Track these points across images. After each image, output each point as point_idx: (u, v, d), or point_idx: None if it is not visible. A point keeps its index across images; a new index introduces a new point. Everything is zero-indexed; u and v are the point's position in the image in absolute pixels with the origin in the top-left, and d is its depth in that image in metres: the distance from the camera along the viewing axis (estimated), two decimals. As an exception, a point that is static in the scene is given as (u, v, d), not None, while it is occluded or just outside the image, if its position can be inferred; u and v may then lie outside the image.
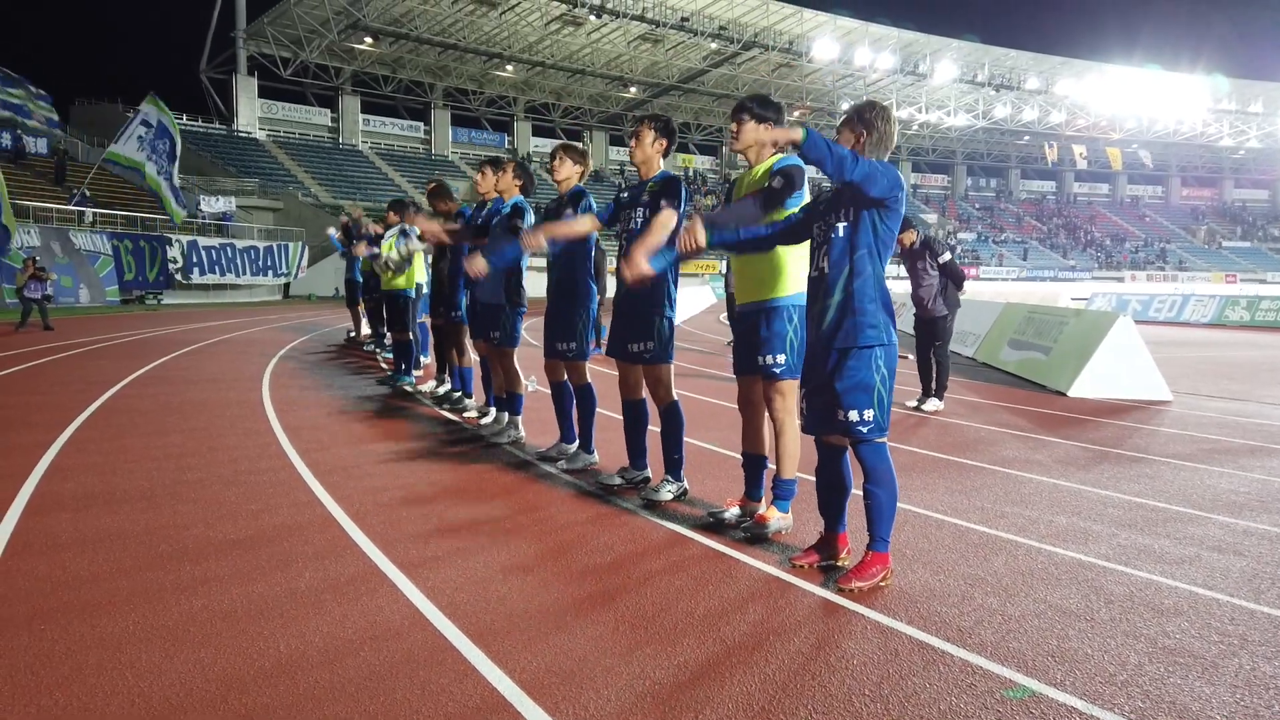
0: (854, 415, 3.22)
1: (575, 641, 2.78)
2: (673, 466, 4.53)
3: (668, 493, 4.48)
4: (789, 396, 3.93)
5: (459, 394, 7.53)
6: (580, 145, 5.45)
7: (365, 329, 12.97)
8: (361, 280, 11.99)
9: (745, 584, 3.34)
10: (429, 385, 8.49)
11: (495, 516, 4.21)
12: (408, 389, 8.51)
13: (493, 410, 6.62)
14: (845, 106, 58.83)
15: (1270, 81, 63.59)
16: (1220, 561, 3.69)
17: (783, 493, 3.95)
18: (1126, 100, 60.30)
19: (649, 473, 4.75)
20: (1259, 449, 6.28)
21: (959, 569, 3.53)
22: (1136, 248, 68.79)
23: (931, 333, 8.23)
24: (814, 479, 3.58)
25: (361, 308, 12.82)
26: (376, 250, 11.12)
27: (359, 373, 10.06)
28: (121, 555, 3.55)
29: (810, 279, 3.45)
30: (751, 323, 3.99)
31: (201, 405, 7.46)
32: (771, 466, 4.08)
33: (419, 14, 46.06)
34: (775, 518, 3.92)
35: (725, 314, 20.58)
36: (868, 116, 3.39)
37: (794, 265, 3.90)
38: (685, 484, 4.57)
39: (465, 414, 7.08)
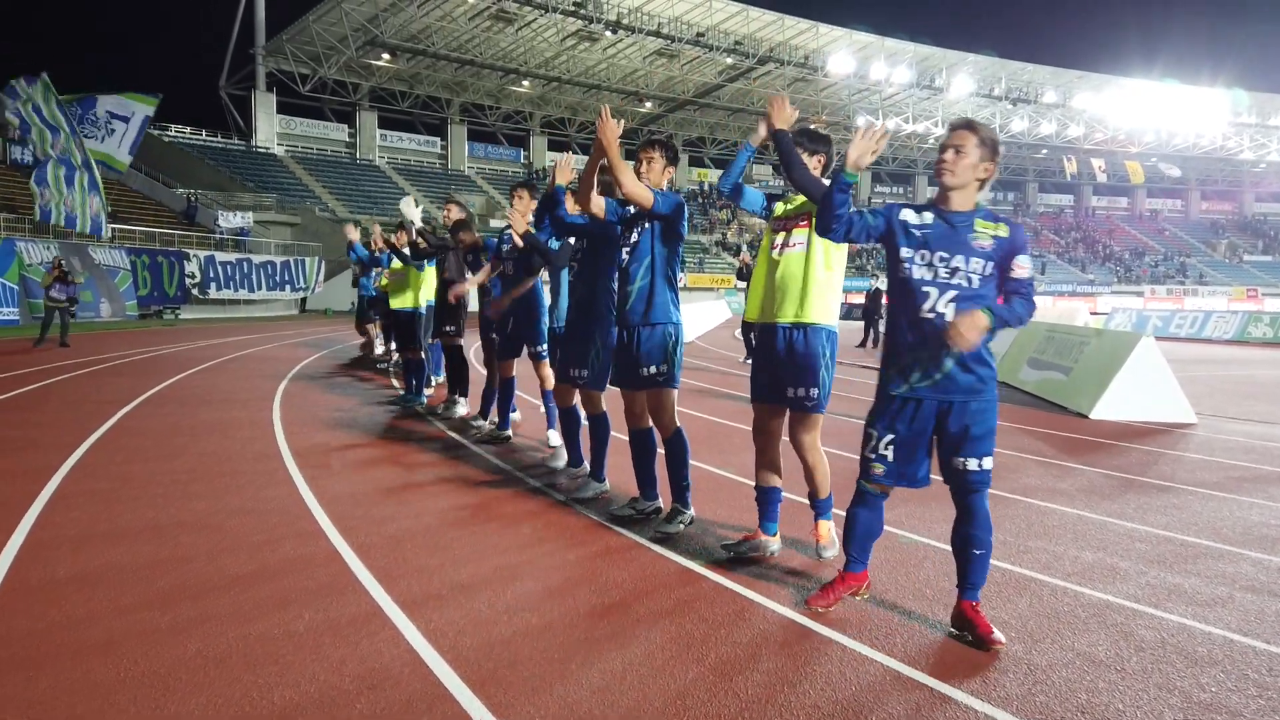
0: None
1: (579, 691, 2.67)
2: (680, 494, 4.42)
3: (680, 524, 4.37)
4: (818, 431, 3.80)
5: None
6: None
7: (380, 346, 12.98)
8: (374, 295, 11.99)
9: (760, 627, 3.22)
10: (446, 408, 8.30)
11: (501, 549, 4.11)
12: (419, 409, 8.44)
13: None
14: (860, 121, 58.80)
15: (1289, 94, 63.03)
16: (1255, 604, 3.54)
17: (827, 507, 3.97)
18: (1145, 114, 59.84)
19: (660, 503, 4.64)
20: (1289, 477, 6.10)
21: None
22: (1156, 262, 68.10)
23: None
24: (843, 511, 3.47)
25: (378, 326, 12.81)
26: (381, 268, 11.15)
27: (370, 393, 10.00)
28: (120, 592, 3.47)
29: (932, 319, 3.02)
30: (778, 346, 3.82)
31: (213, 427, 7.41)
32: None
33: (436, 30, 46.36)
34: (828, 529, 3.97)
35: (740, 329, 20.48)
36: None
37: (832, 288, 3.80)
38: (692, 510, 4.46)
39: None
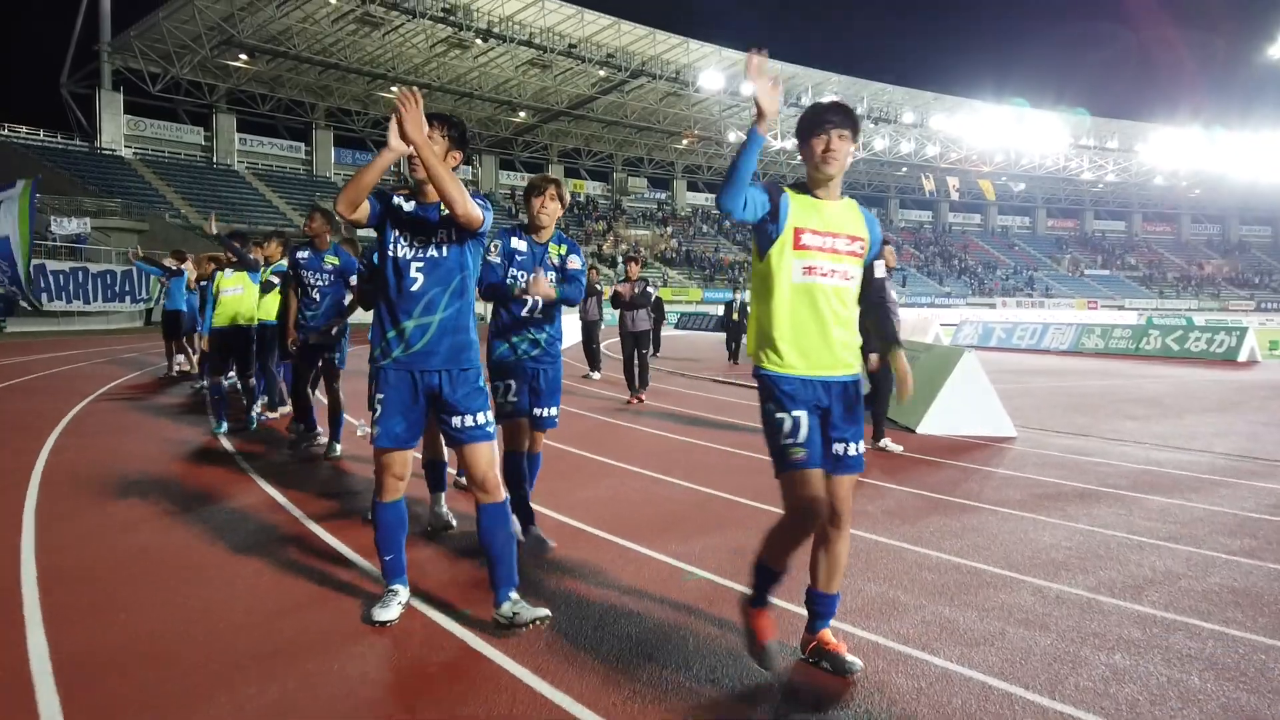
0: None
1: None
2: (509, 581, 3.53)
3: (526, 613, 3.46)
4: None
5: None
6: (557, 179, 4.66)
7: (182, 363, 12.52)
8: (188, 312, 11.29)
9: None
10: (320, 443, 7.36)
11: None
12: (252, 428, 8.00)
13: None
14: (732, 136, 60.02)
15: (1126, 120, 68.02)
16: (1024, 640, 3.48)
17: (836, 605, 3.27)
18: (996, 135, 63.36)
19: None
20: (1089, 493, 6.26)
21: (721, 669, 3.20)
22: (1007, 275, 72.21)
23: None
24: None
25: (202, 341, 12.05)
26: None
27: (180, 420, 9.24)
28: None
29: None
30: (830, 402, 3.05)
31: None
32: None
33: (298, 32, 44.56)
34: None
35: (728, 342, 19.94)
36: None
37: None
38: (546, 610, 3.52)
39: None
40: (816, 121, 3.00)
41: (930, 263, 71.84)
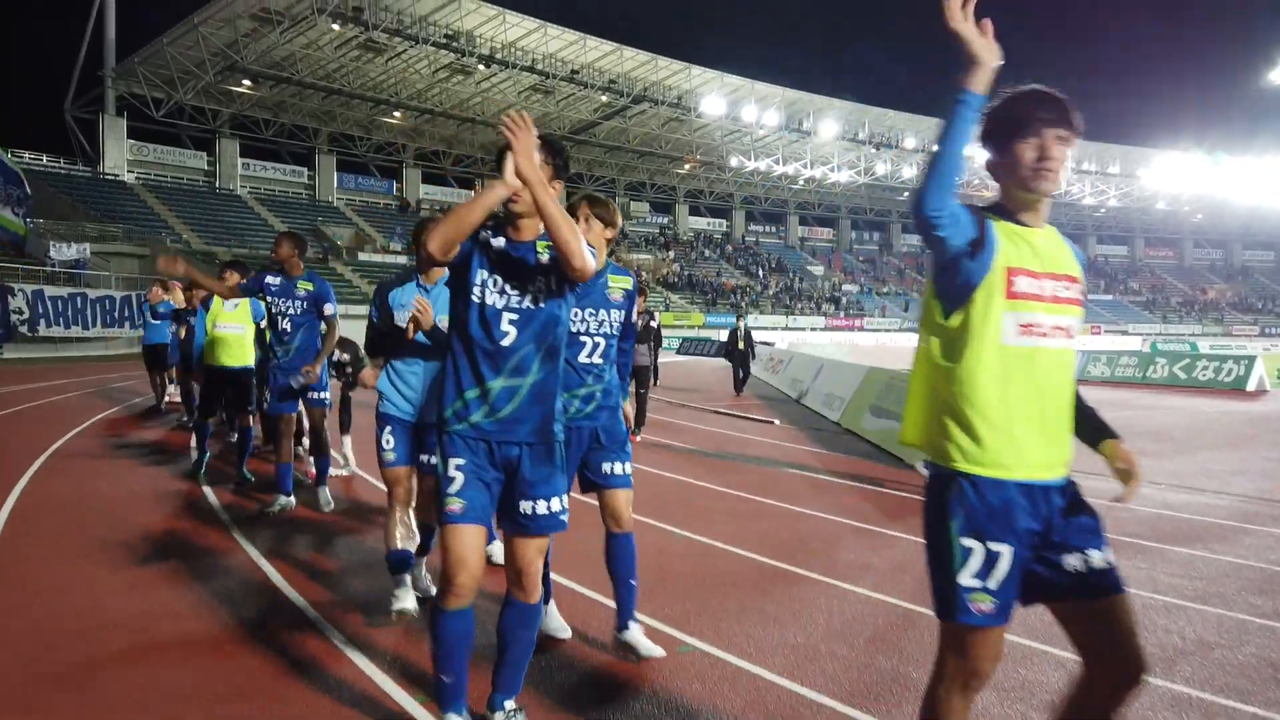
0: None
1: None
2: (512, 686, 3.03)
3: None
4: None
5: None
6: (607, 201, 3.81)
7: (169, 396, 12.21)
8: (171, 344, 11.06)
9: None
10: (280, 502, 6.49)
11: None
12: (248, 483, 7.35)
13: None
14: (734, 161, 60.12)
15: (1127, 145, 68.07)
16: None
17: None
18: (998, 160, 63.37)
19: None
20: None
21: None
22: (1011, 300, 71.98)
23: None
24: None
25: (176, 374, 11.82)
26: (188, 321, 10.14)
27: (159, 461, 8.98)
28: None
29: None
30: (1043, 513, 2.18)
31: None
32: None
33: (301, 58, 44.67)
34: None
35: (735, 370, 19.02)
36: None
37: None
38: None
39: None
40: (1023, 119, 2.17)
41: (933, 287, 71.73)
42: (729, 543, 5.73)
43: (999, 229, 2.18)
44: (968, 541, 2.12)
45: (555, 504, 2.90)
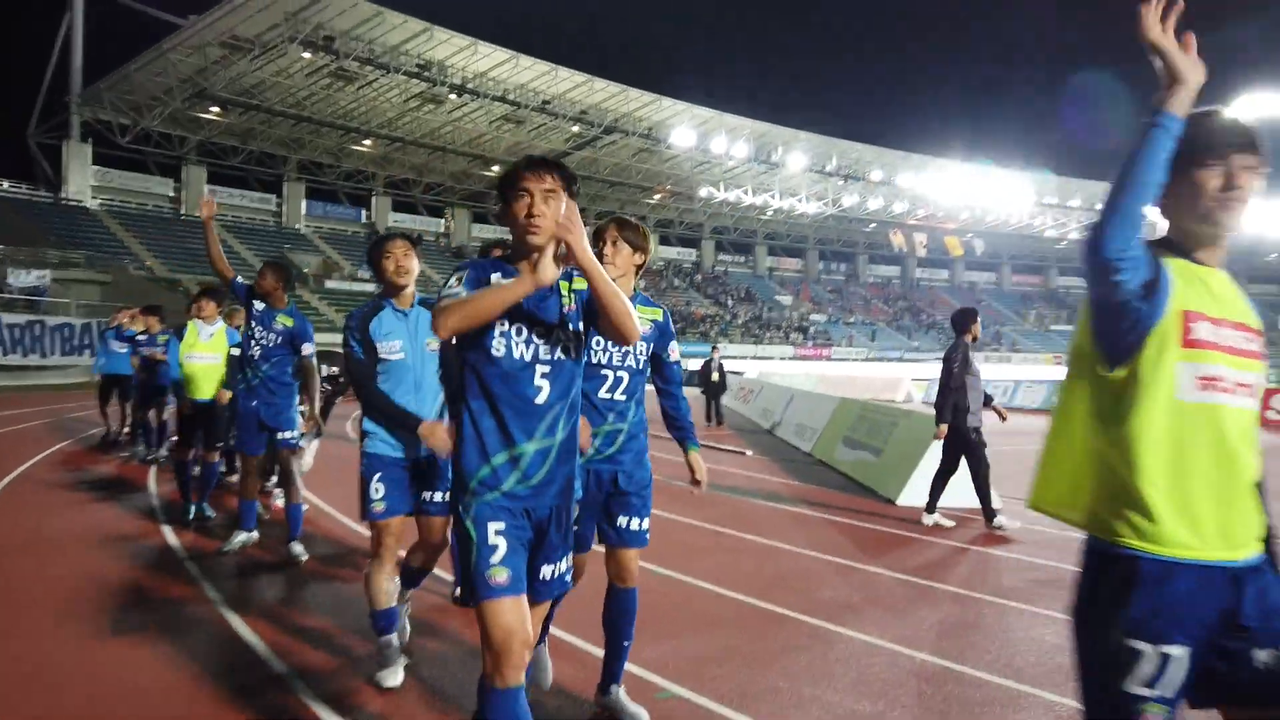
0: None
1: None
2: None
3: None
4: None
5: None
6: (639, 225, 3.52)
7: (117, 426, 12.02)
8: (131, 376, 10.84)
9: None
10: (240, 538, 6.33)
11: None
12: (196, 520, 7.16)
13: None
14: (703, 192, 60.63)
15: (1087, 180, 69.68)
16: None
17: None
18: (962, 193, 64.62)
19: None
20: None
21: None
22: (976, 330, 73.03)
23: None
24: None
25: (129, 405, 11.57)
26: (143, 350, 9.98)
27: (116, 499, 8.74)
28: None
29: None
30: (1233, 601, 1.83)
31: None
32: None
33: (271, 85, 44.49)
34: None
35: (707, 402, 18.96)
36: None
37: None
38: None
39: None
40: (1211, 144, 1.87)
41: (899, 317, 72.54)
42: (708, 580, 5.66)
43: (1173, 266, 1.87)
44: (1137, 644, 1.78)
45: (564, 564, 2.68)
